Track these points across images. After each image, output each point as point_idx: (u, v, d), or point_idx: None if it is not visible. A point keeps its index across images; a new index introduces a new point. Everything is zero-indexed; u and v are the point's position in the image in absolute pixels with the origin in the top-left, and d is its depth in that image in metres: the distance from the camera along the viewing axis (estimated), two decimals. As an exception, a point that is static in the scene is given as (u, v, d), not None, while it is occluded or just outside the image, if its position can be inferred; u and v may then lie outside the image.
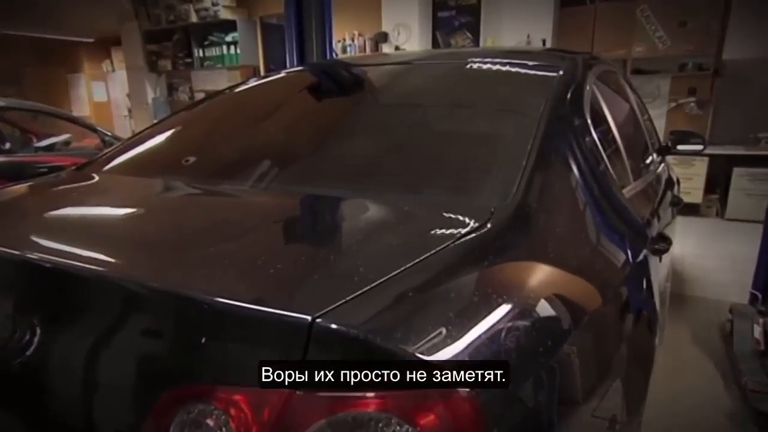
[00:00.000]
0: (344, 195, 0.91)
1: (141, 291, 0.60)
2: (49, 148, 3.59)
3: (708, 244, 3.51)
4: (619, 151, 1.25)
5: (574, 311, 0.69)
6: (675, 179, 2.16)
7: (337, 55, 4.79)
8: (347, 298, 0.52)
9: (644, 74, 4.43)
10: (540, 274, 0.71)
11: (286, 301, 0.54)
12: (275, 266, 0.63)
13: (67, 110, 6.37)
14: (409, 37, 4.88)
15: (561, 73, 1.15)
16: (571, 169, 0.92)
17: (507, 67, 1.27)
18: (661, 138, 2.24)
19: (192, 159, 1.17)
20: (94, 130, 3.77)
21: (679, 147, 2.02)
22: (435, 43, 4.98)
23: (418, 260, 0.60)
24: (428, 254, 0.62)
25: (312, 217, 0.87)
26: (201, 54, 6.02)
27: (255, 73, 5.84)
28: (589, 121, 1.07)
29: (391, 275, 0.57)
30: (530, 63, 1.25)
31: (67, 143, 3.72)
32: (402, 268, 0.58)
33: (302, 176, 1.03)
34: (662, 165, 1.86)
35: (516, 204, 0.77)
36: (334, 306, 0.51)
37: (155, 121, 1.80)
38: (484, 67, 1.30)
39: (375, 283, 0.55)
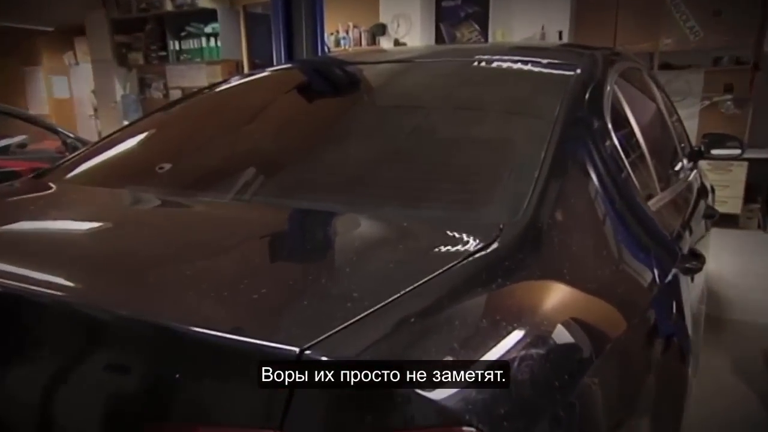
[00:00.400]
0: (337, 209, 0.92)
1: (106, 319, 0.60)
2: (2, 150, 3.61)
3: (748, 260, 3.52)
4: (644, 157, 1.27)
5: (594, 340, 0.70)
6: (709, 188, 2.18)
7: (329, 49, 4.85)
8: (339, 327, 0.53)
9: (673, 69, 4.48)
10: (555, 298, 0.72)
11: (270, 331, 0.55)
12: (259, 291, 0.63)
13: (22, 108, 6.40)
14: (409, 29, 4.94)
15: (578, 71, 1.18)
16: (589, 179, 0.94)
17: (518, 65, 1.30)
18: (693, 141, 2.27)
19: (167, 167, 1.19)
20: (54, 131, 3.79)
21: (714, 151, 2.04)
22: (438, 36, 5.04)
23: (418, 284, 0.61)
24: (430, 277, 0.63)
25: (300, 234, 0.88)
26: (177, 47, 6.08)
27: (238, 68, 5.90)
28: (609, 125, 1.09)
29: (388, 301, 0.58)
30: (544, 61, 1.28)
31: (22, 146, 3.74)
32: (400, 293, 0.59)
33: (290, 188, 1.05)
34: (694, 172, 1.89)
35: (528, 220, 0.78)
36: (324, 336, 0.51)
37: (126, 123, 1.83)
38: (493, 65, 1.33)
39: (370, 310, 0.56)
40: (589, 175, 0.94)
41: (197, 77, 6.11)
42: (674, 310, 1.00)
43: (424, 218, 0.86)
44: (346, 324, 0.53)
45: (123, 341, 0.59)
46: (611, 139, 1.07)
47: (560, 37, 4.51)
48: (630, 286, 0.88)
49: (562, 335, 0.66)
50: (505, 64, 1.33)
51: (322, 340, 0.51)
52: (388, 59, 1.61)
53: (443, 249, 0.74)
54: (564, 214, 0.85)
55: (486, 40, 4.82)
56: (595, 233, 0.90)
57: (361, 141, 1.17)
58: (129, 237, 0.87)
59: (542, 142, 0.93)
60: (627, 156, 1.10)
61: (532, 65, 1.28)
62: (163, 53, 6.17)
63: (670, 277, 1.00)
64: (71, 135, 3.80)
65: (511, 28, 4.71)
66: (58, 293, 0.66)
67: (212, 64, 6.02)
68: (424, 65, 1.45)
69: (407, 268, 0.69)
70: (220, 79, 5.10)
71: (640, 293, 0.89)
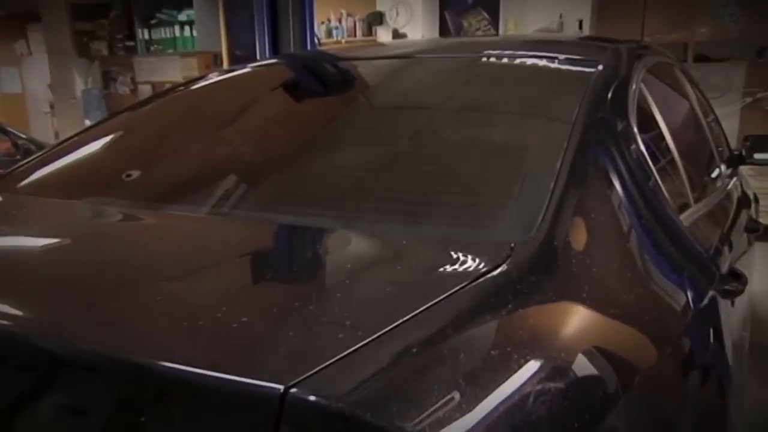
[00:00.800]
0: (327, 225, 0.93)
1: (63, 354, 0.60)
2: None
3: (799, 279, 3.52)
4: (676, 164, 1.29)
5: (620, 373, 0.71)
6: (752, 197, 2.20)
7: (319, 40, 4.90)
8: (330, 361, 0.53)
9: (710, 62, 4.53)
10: (574, 326, 0.73)
11: (252, 366, 0.56)
12: (239, 320, 0.64)
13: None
14: (410, 18, 4.98)
15: (600, 68, 1.20)
16: (612, 190, 0.95)
17: (532, 62, 1.32)
18: (733, 144, 2.30)
19: (135, 176, 1.20)
20: (3, 130, 3.81)
21: (757, 155, 2.06)
22: (443, 26, 5.09)
23: (418, 311, 0.62)
24: (432, 303, 0.63)
25: (286, 254, 0.89)
26: (146, 36, 6.12)
27: (216, 60, 5.93)
28: (635, 128, 1.11)
29: (384, 330, 0.58)
30: (561, 56, 1.31)
31: (-35, 148, 3.76)
32: (398, 322, 0.60)
33: (274, 200, 1.06)
34: (734, 179, 1.91)
35: (542, 237, 0.79)
36: (313, 372, 0.52)
37: (87, 123, 1.85)
38: (504, 62, 1.36)
39: (365, 341, 0.56)
40: (612, 185, 0.95)
41: (170, 71, 6.14)
42: (712, 338, 1.01)
43: (426, 236, 0.87)
44: (337, 357, 0.54)
45: (82, 380, 0.59)
46: (637, 143, 1.08)
47: (580, 28, 4.56)
48: (660, 312, 0.89)
49: (582, 368, 0.67)
50: (517, 61, 1.35)
51: (310, 376, 0.51)
52: (386, 54, 1.63)
53: (447, 271, 0.75)
54: (583, 230, 0.86)
55: (496, 30, 4.87)
56: (619, 251, 0.91)
57: (356, 148, 1.19)
58: (90, 258, 0.88)
59: (559, 149, 0.94)
60: (656, 163, 1.12)
61: (548, 61, 1.30)
62: (131, 43, 6.21)
63: (706, 301, 1.01)
64: (23, 135, 3.82)
65: (525, 17, 4.75)
66: (6, 323, 0.66)
67: (187, 56, 6.05)
68: (426, 62, 1.47)
69: (406, 293, 0.70)
70: (195, 73, 5.13)
71: (672, 319, 0.90)
